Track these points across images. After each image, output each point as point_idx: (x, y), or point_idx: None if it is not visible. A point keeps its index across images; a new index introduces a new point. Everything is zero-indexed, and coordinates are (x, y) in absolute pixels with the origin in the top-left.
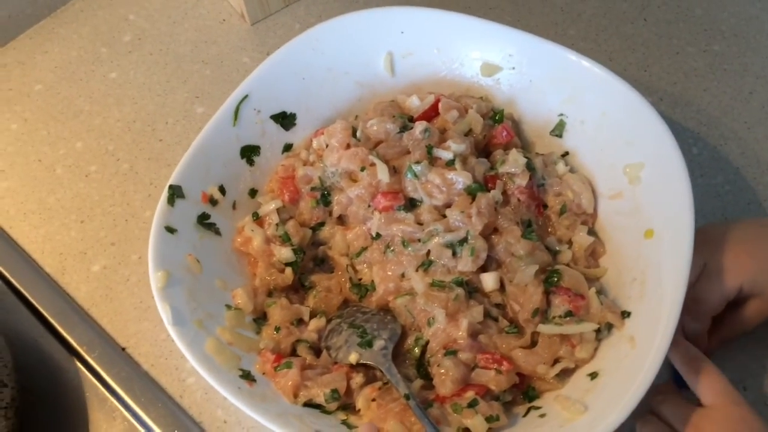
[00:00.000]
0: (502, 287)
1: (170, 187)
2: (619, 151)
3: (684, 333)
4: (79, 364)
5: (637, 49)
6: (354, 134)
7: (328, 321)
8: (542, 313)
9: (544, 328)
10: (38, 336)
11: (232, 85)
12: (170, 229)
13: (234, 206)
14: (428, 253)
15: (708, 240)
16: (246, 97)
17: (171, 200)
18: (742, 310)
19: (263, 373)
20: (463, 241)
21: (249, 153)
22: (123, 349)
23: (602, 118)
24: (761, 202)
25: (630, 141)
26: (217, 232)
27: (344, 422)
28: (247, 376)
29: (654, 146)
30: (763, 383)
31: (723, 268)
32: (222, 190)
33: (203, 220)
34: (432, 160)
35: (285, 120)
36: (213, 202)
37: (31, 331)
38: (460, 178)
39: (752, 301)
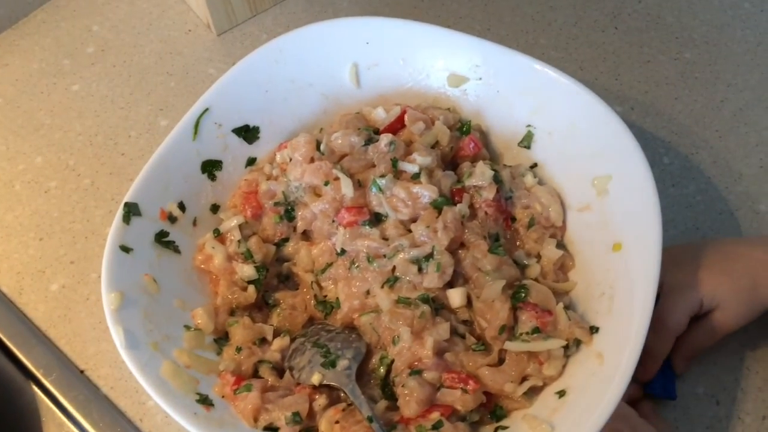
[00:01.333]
0: (469, 303)
1: (126, 204)
2: (587, 163)
3: (648, 352)
4: (35, 388)
5: (608, 58)
6: (318, 147)
7: (293, 340)
8: (509, 330)
9: (511, 346)
10: None
11: (198, 97)
12: (125, 249)
13: (194, 223)
14: (394, 269)
15: (667, 260)
16: (206, 110)
17: (126, 218)
18: (705, 323)
19: (222, 397)
20: (429, 256)
21: (210, 168)
22: (81, 371)
23: (570, 129)
24: (733, 211)
25: (598, 153)
26: (177, 250)
27: None
28: (204, 400)
29: (621, 158)
30: (736, 396)
31: (683, 284)
32: (182, 206)
33: (161, 238)
34: (397, 174)
35: (248, 133)
36: (172, 219)
37: None
38: (425, 192)
39: (714, 314)
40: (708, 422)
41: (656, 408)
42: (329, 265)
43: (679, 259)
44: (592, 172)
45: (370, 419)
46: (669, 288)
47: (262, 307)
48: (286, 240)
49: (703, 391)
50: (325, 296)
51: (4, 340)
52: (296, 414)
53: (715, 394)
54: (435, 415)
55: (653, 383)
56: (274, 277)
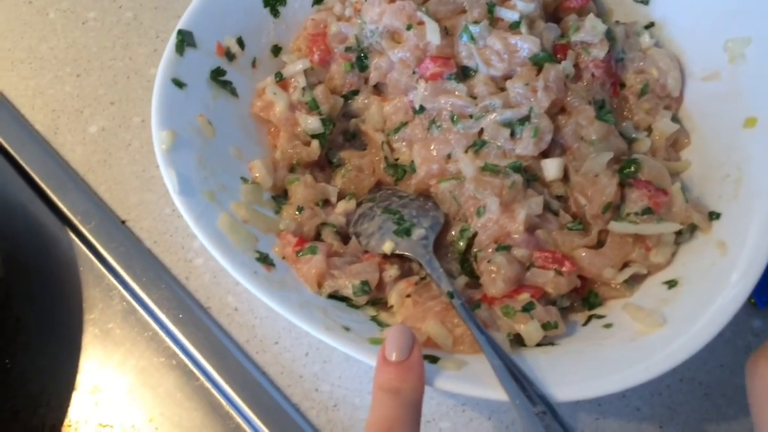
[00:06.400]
0: (565, 177)
1: (179, 32)
2: (720, 22)
3: None
4: (72, 235)
5: None
6: None
7: (359, 204)
8: (614, 209)
9: (616, 226)
10: (27, 201)
11: None
12: (178, 83)
13: (254, 64)
14: (481, 131)
15: None
16: None
17: (180, 48)
18: None
19: (283, 258)
20: (525, 119)
21: (274, 2)
22: (123, 222)
23: None
24: None
25: (735, 10)
26: (234, 93)
27: (374, 318)
28: (264, 259)
29: (766, 17)
30: None
31: None
32: (241, 42)
33: (218, 76)
34: (493, 21)
35: None
36: (230, 56)
37: (19, 195)
38: (525, 44)
39: None
40: None
41: None
42: (404, 124)
43: None
44: (725, 34)
45: (450, 294)
46: None
47: (324, 166)
48: (355, 92)
49: None
50: (397, 159)
51: (39, 181)
52: (365, 283)
53: None
54: (524, 296)
55: (763, 294)
56: (340, 133)
